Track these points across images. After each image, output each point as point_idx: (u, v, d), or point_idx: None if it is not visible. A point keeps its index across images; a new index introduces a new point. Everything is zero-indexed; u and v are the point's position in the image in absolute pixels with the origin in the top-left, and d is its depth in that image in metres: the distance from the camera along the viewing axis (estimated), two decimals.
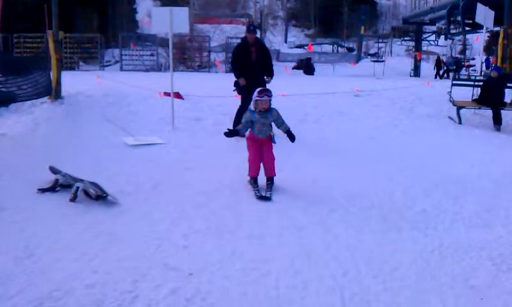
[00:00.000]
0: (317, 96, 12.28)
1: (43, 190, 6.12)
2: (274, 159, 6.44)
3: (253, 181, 6.44)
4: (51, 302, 3.69)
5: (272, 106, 6.34)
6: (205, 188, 6.42)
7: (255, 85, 9.02)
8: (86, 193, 5.95)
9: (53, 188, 6.18)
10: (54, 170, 6.48)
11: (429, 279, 4.31)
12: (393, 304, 3.89)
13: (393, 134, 10.15)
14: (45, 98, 10.53)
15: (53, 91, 10.62)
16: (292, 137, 6.43)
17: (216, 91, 11.47)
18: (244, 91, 9.12)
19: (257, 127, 6.38)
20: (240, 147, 8.75)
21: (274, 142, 6.50)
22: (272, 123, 6.51)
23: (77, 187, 5.94)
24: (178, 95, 11.28)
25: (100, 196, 5.90)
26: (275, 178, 6.50)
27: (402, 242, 5.05)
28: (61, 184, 6.23)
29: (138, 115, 10.38)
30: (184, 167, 7.43)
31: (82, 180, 6.05)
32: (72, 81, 11.97)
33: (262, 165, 6.48)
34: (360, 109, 11.64)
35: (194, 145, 8.63)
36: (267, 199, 6.08)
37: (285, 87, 11.87)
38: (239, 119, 9.17)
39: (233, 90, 9.26)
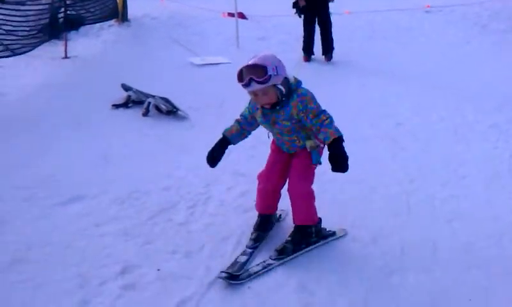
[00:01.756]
0: (385, 12, 11.86)
1: (116, 106, 6.40)
2: (307, 194, 3.31)
3: (257, 222, 3.54)
4: (131, 200, 3.96)
5: (300, 89, 3.16)
6: None
7: (315, 7, 8.78)
8: (157, 108, 6.18)
9: (126, 104, 6.44)
10: (125, 87, 6.72)
11: (497, 188, 4.26)
12: (459, 209, 3.90)
13: (465, 51, 9.75)
14: (112, 21, 10.77)
15: (120, 14, 10.83)
16: (336, 161, 2.98)
17: (280, 10, 11.30)
18: (305, 14, 8.86)
19: (273, 134, 3.44)
20: (309, 64, 8.66)
21: (318, 163, 3.27)
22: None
23: (149, 103, 6.16)
24: (241, 15, 11.21)
25: (170, 111, 6.12)
26: None
27: (472, 154, 4.98)
28: (133, 100, 6.49)
29: (203, 36, 10.47)
30: None
31: (153, 96, 6.26)
32: (137, 4, 12.10)
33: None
34: (431, 26, 11.19)
35: None
36: (233, 277, 3.01)
37: (351, 4, 11.54)
38: (305, 45, 8.97)
39: (294, 13, 9.00)
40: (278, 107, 3.13)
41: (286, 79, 3.10)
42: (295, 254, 3.27)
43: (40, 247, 3.34)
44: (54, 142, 5.14)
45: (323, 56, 8.87)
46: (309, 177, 3.31)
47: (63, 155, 4.83)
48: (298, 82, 3.19)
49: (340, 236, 3.50)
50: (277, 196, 3.51)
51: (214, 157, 3.44)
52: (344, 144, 3.01)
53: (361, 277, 3.11)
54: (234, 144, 3.51)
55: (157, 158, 4.84)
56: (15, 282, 2.99)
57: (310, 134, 3.22)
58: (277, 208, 3.59)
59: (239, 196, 4.06)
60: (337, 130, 3.01)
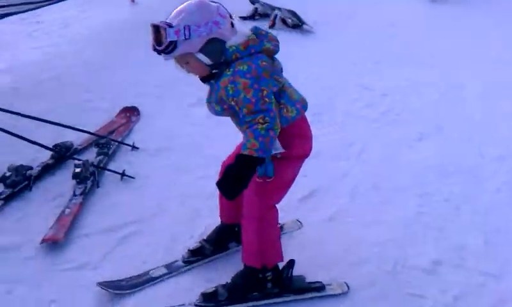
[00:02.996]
0: None
1: (243, 18, 6.61)
2: (256, 219, 2.19)
3: (213, 231, 2.59)
4: None
5: (241, 64, 2.01)
6: (395, 18, 6.38)
7: None
8: (284, 21, 6.30)
9: (252, 17, 6.63)
10: (252, 0, 6.89)
11: None
12: None
13: None
14: None
15: None
16: (223, 178, 2.01)
17: None
18: None
19: None
20: None
21: (264, 175, 2.13)
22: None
23: (276, 15, 6.30)
24: None
25: (296, 25, 6.22)
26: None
27: None
28: (259, 13, 6.66)
29: None
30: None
31: (279, 9, 6.37)
32: None
33: None
34: None
35: None
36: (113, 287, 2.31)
37: None
38: None
39: None
40: (212, 81, 2.11)
41: (217, 43, 2.01)
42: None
43: (180, 137, 3.71)
44: None
45: None
46: (264, 194, 2.16)
47: None
48: (250, 47, 2.02)
49: (337, 294, 2.34)
50: (231, 208, 2.39)
51: None
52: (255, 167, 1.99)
53: None
54: None
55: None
56: (162, 166, 3.38)
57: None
58: (234, 219, 2.48)
59: (364, 106, 4.22)
60: (261, 149, 1.93)
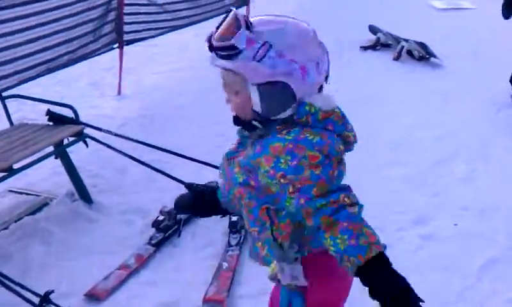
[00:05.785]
0: None
1: (364, 48, 6.31)
2: None
3: None
4: (405, 147, 3.92)
5: (307, 131, 1.34)
6: None
7: None
8: (410, 53, 5.95)
9: (374, 47, 6.32)
10: (373, 29, 6.58)
11: None
12: None
13: None
14: None
15: None
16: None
17: None
18: None
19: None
20: None
21: None
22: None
23: (402, 47, 5.95)
24: None
25: (422, 57, 5.85)
26: None
27: None
28: (382, 43, 6.35)
29: None
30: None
31: (406, 40, 6.00)
32: None
33: None
34: None
35: None
36: None
37: None
38: None
39: None
40: (252, 131, 1.43)
41: (284, 91, 1.34)
42: None
43: None
44: None
45: None
46: None
47: None
48: (328, 122, 1.38)
49: None
50: None
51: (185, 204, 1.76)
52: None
53: None
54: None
55: (420, 104, 4.67)
56: None
57: (286, 242, 1.41)
58: None
59: None
60: (375, 235, 1.27)
